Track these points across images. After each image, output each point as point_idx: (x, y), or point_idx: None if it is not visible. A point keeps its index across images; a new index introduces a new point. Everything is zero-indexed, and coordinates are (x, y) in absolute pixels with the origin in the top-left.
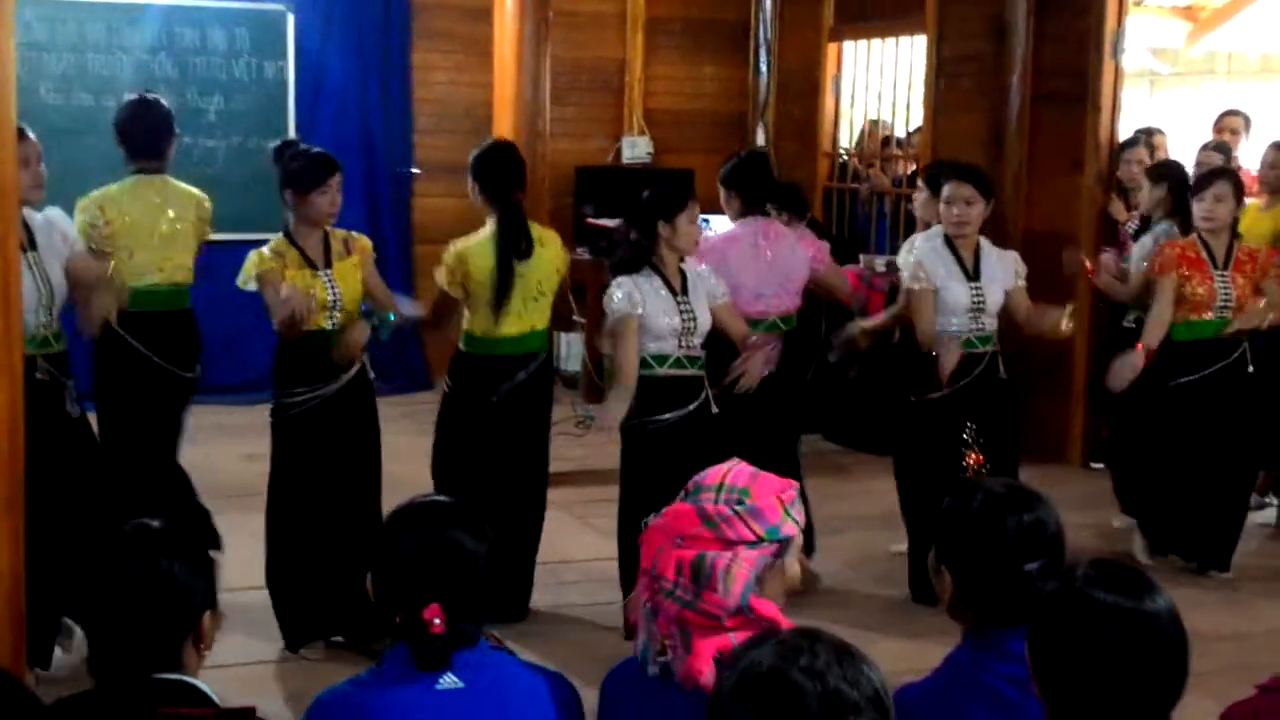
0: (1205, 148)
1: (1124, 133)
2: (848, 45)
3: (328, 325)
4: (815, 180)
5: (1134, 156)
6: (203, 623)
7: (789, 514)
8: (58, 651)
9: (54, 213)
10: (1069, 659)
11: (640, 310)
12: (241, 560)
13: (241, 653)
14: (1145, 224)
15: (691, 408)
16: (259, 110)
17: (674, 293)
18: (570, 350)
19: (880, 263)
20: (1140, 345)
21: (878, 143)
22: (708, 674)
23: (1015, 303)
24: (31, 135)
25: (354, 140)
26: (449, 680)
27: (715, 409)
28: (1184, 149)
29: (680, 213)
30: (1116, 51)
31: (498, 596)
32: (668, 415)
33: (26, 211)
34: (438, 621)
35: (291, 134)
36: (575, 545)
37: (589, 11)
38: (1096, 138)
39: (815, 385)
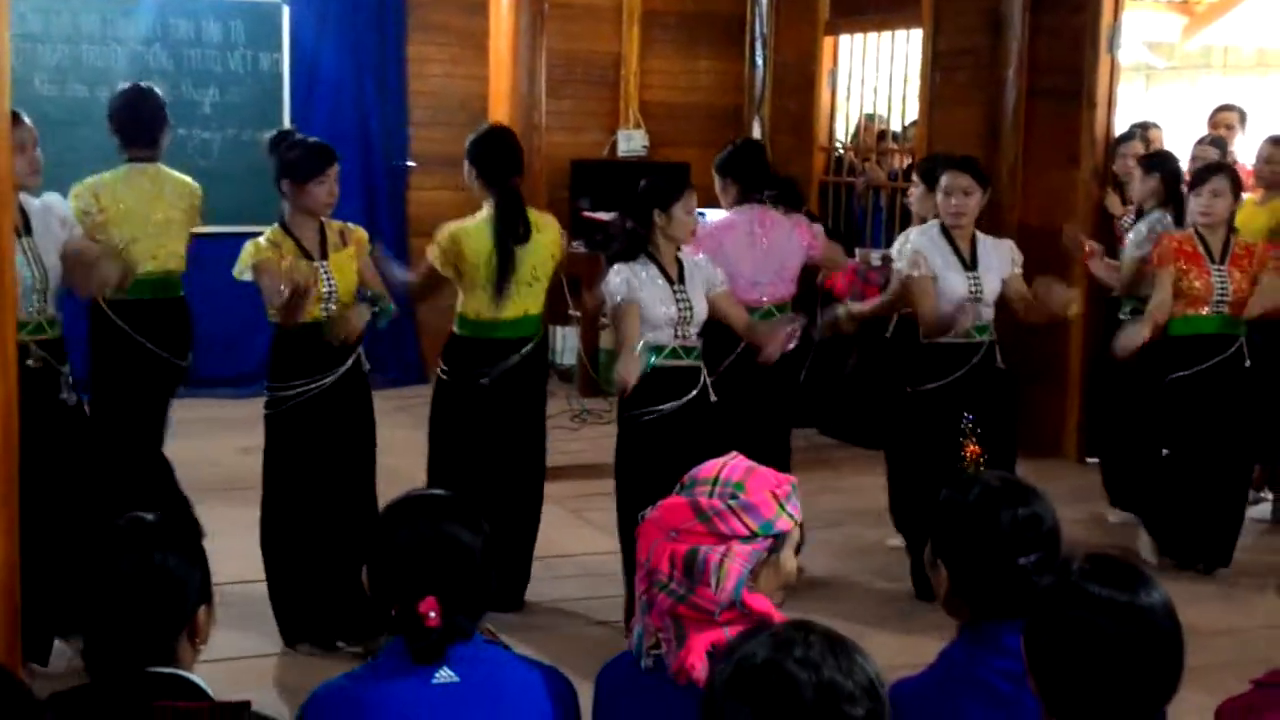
0: (1201, 142)
1: (1120, 127)
2: (843, 39)
3: (323, 317)
4: (811, 174)
5: (1130, 151)
6: (198, 616)
7: (784, 509)
8: (59, 645)
9: (52, 198)
10: (1064, 653)
11: (638, 296)
12: (236, 553)
13: (237, 646)
14: (1140, 216)
15: (687, 399)
16: (254, 102)
17: (670, 282)
18: (566, 344)
19: (876, 257)
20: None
21: (873, 137)
22: (700, 668)
23: (1013, 291)
24: (27, 120)
25: (349, 133)
26: (445, 674)
27: (714, 397)
28: (1180, 144)
29: (675, 202)
30: (1112, 46)
31: (494, 589)
32: (663, 407)
33: (23, 197)
34: (433, 615)
35: (287, 126)
36: (571, 539)
37: (584, 4)
38: (1092, 132)
39: (811, 379)
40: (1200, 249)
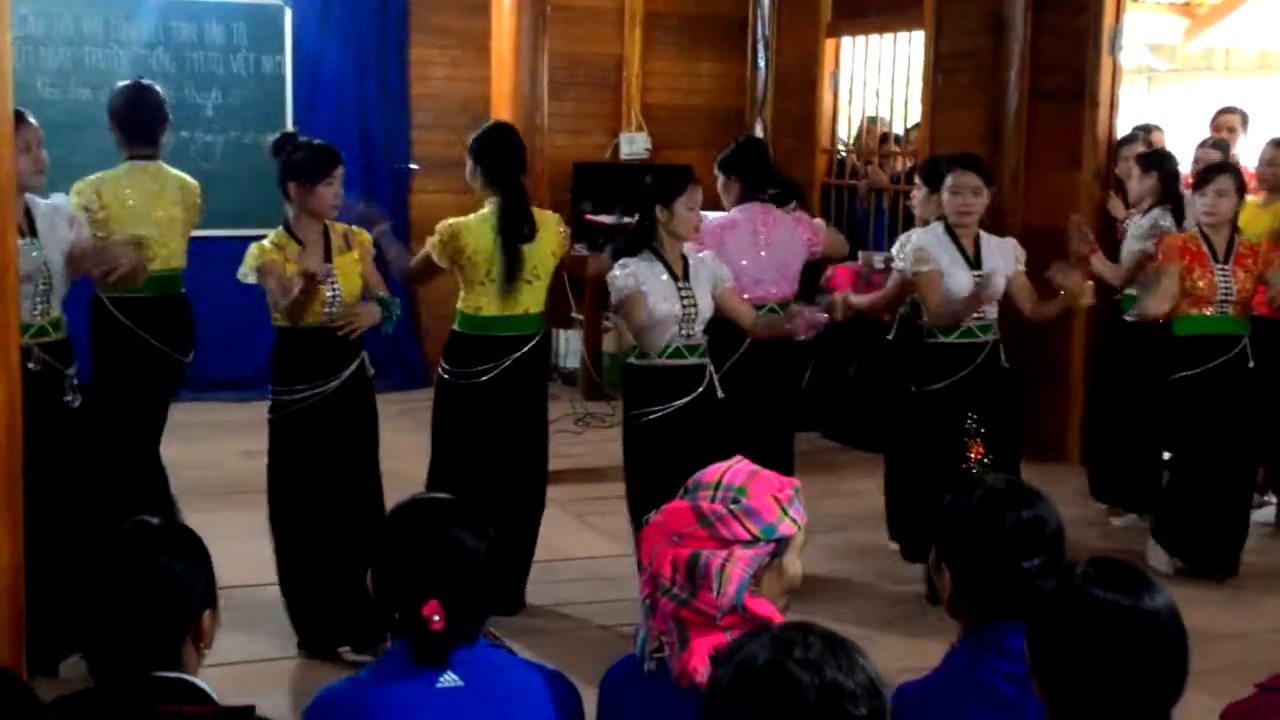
0: (1203, 144)
1: (1122, 129)
2: (846, 41)
3: (326, 320)
4: (813, 177)
5: (1132, 153)
6: (202, 620)
7: (786, 513)
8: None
9: (60, 199)
10: (1068, 657)
11: (644, 288)
12: (241, 557)
13: (241, 650)
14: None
15: (692, 396)
16: (256, 105)
17: (675, 278)
18: (569, 347)
19: (878, 259)
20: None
21: (875, 139)
22: (703, 671)
23: (1017, 289)
24: (32, 120)
25: (351, 136)
26: (449, 678)
27: (721, 394)
28: (1182, 145)
29: (678, 198)
30: (1114, 48)
31: (497, 593)
32: (666, 406)
33: (31, 198)
34: (437, 618)
35: (289, 129)
36: (574, 543)
37: (586, 6)
38: (1094, 134)
39: (813, 383)
40: (1204, 248)
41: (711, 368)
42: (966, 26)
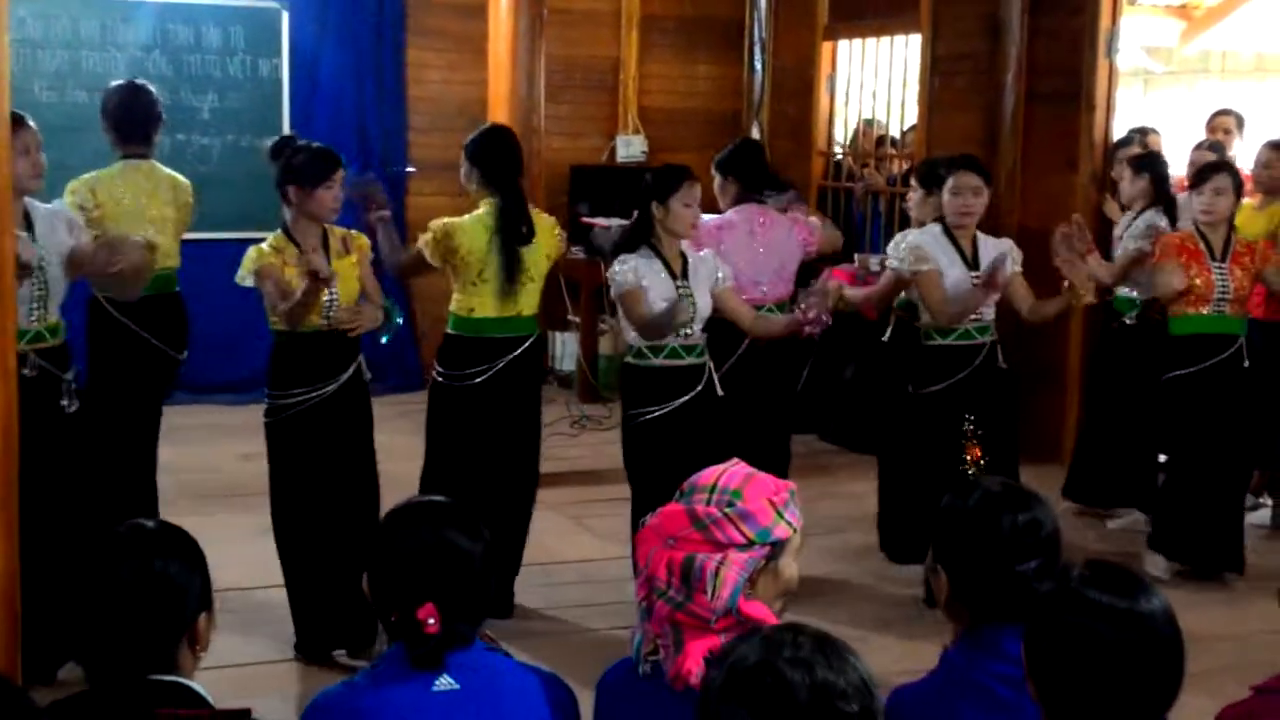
0: (1199, 147)
1: (1118, 132)
2: (842, 44)
3: (323, 324)
4: (810, 179)
5: (1128, 156)
6: (198, 623)
7: (782, 516)
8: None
9: (61, 205)
10: (1064, 659)
11: (644, 283)
12: (238, 560)
13: (238, 653)
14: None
15: (690, 396)
16: (253, 108)
17: (673, 276)
18: (565, 349)
19: (875, 261)
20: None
21: (871, 142)
22: (697, 674)
23: (1014, 289)
24: (31, 123)
25: (349, 138)
26: (444, 681)
27: (720, 392)
28: (1178, 148)
29: (673, 194)
30: (1111, 50)
31: (493, 596)
32: (664, 406)
33: (31, 202)
34: (432, 621)
35: (286, 132)
36: (570, 546)
37: (583, 9)
38: (1091, 137)
39: (810, 386)
40: (1202, 246)
41: (711, 366)
42: (963, 29)
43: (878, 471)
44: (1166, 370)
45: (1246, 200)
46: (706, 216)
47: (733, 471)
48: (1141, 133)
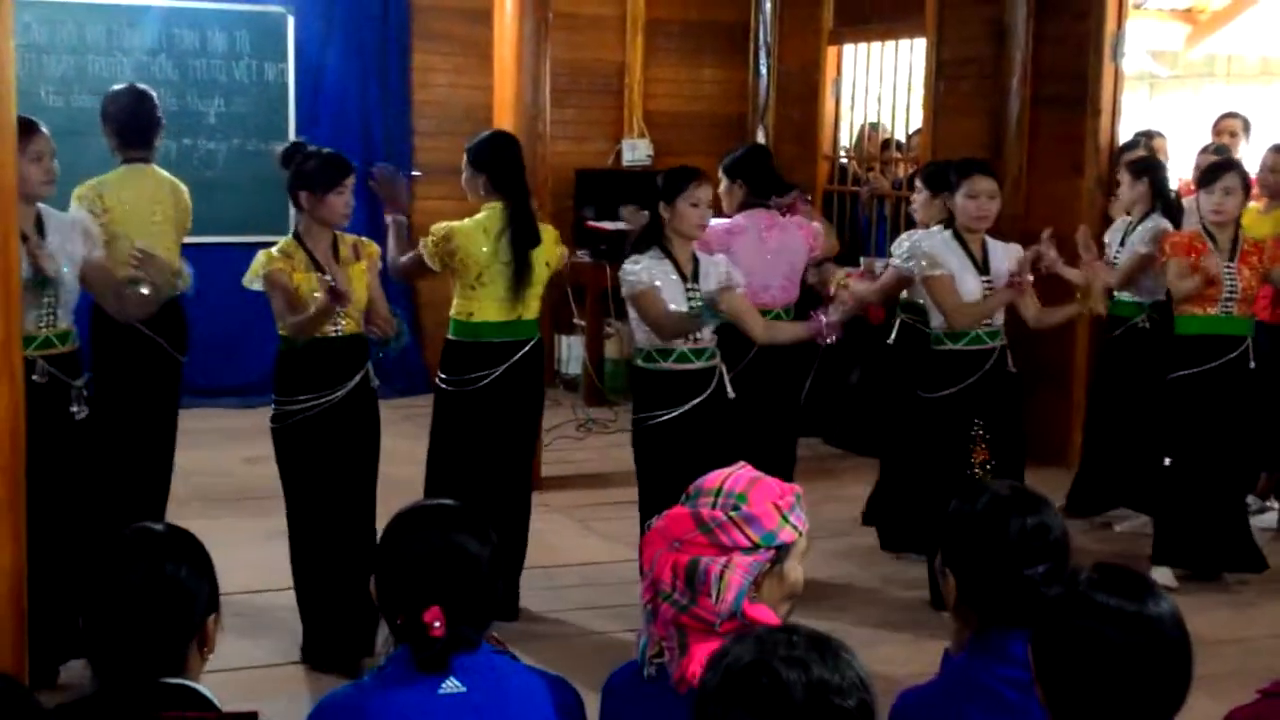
0: (1204, 150)
1: (1124, 136)
2: (847, 48)
3: (330, 331)
4: (815, 183)
5: (1126, 160)
6: (207, 626)
7: (787, 520)
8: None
9: (80, 214)
10: (1072, 663)
11: (657, 283)
12: (245, 563)
13: (245, 656)
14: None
15: (700, 399)
16: (259, 112)
17: (684, 279)
18: (571, 353)
19: (880, 265)
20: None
21: (876, 145)
22: None
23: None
24: (44, 130)
25: (354, 143)
26: (451, 684)
27: (731, 394)
28: (1183, 152)
29: (679, 195)
30: (1116, 54)
31: (500, 599)
32: (675, 409)
33: (46, 209)
34: (438, 624)
35: (292, 136)
36: (576, 548)
37: (589, 14)
38: (1096, 141)
39: (815, 389)
40: (1210, 246)
41: (723, 368)
42: (968, 34)
43: (879, 470)
44: (1172, 370)
45: (1252, 204)
46: (715, 221)
47: (738, 475)
48: (1147, 136)
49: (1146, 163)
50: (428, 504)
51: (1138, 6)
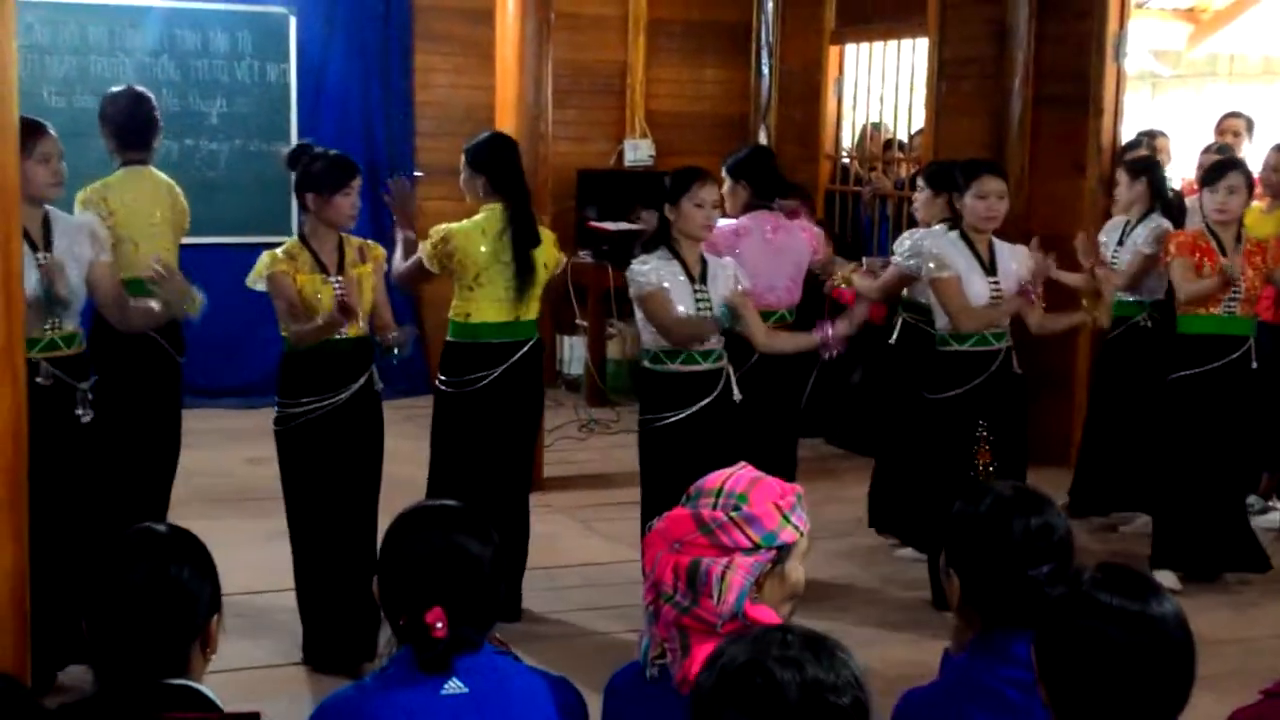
0: (1207, 150)
1: (1126, 135)
2: (849, 48)
3: (335, 334)
4: (817, 183)
5: (1125, 160)
6: (210, 626)
7: (788, 520)
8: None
9: (90, 218)
10: (1075, 663)
11: (665, 285)
12: (247, 564)
13: (247, 657)
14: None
15: (707, 401)
16: (261, 113)
17: (692, 280)
18: (573, 353)
19: (881, 265)
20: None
21: (878, 145)
22: None
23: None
24: (53, 132)
25: (356, 143)
26: (453, 685)
27: (738, 396)
28: (1186, 151)
29: (683, 196)
30: (1118, 54)
31: (502, 600)
32: (682, 411)
33: (54, 211)
34: (440, 625)
35: (294, 137)
36: (578, 549)
37: (590, 14)
38: (1098, 140)
39: (817, 389)
40: (1214, 245)
41: (730, 370)
42: (970, 33)
43: (875, 467)
44: (1173, 370)
45: (1255, 203)
46: (722, 221)
47: (739, 475)
48: (1150, 136)
49: (1144, 162)
50: (430, 505)
51: (1140, 6)
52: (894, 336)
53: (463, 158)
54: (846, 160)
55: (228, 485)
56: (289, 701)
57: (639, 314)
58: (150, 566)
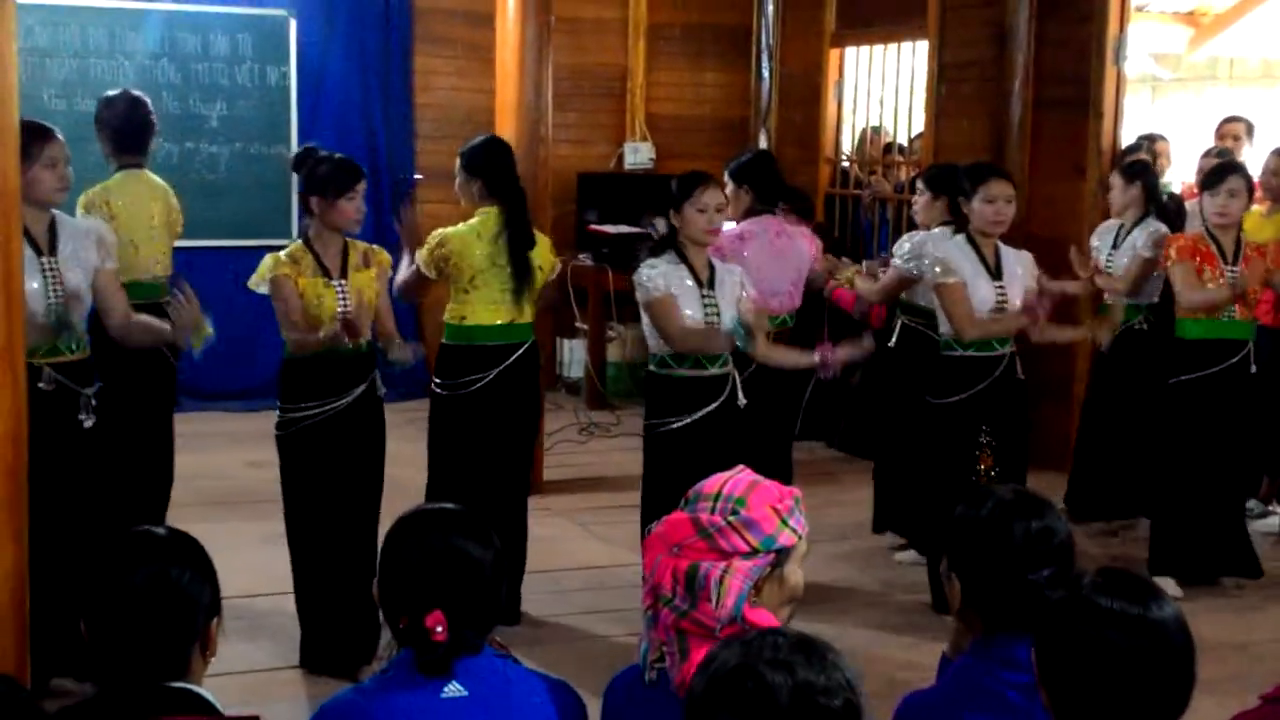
0: (1208, 154)
1: (1126, 139)
2: (849, 51)
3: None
4: (817, 186)
5: (1121, 164)
6: (209, 629)
7: (786, 524)
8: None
9: (98, 224)
10: (1075, 666)
11: (674, 292)
12: (245, 567)
13: (246, 660)
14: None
15: (713, 406)
16: (261, 116)
17: (700, 285)
18: (573, 357)
19: (879, 267)
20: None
21: (878, 149)
22: None
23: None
24: (60, 136)
25: (356, 146)
26: (453, 688)
27: (743, 401)
28: (1186, 155)
29: (685, 202)
30: (1118, 57)
31: (503, 603)
32: (688, 416)
33: (60, 215)
34: (440, 629)
35: (294, 140)
36: (577, 552)
37: (591, 17)
38: (1098, 144)
39: (816, 393)
40: (1214, 249)
41: (736, 375)
42: (970, 37)
43: (875, 469)
44: (1172, 375)
45: (1255, 207)
46: (727, 225)
47: (737, 479)
48: (1150, 140)
49: (1140, 165)
50: (430, 508)
51: (1140, 9)
52: (893, 339)
53: (457, 162)
54: (846, 163)
55: (228, 488)
56: (289, 704)
57: (645, 318)
58: (150, 569)
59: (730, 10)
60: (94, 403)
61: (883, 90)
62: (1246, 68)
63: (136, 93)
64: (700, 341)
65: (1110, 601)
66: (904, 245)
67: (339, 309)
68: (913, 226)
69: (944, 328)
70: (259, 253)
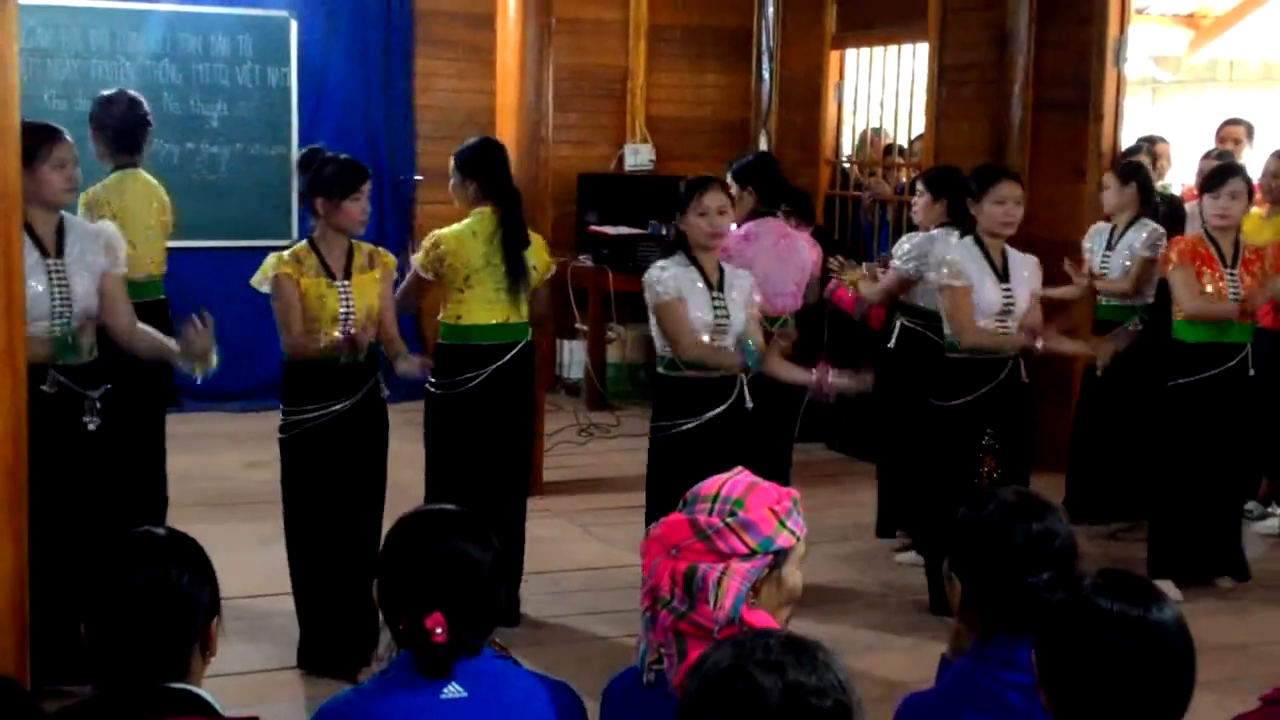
0: (1208, 156)
1: (1126, 141)
2: (850, 53)
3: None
4: (817, 188)
5: (1116, 165)
6: (208, 630)
7: (784, 525)
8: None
9: (108, 227)
10: (1076, 668)
11: (684, 296)
12: (244, 568)
13: (245, 661)
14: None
15: (722, 409)
16: (262, 117)
17: (709, 287)
18: (573, 357)
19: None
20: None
21: (878, 151)
22: None
23: (1032, 316)
24: (68, 137)
25: (357, 147)
26: (453, 689)
27: (750, 404)
28: (1186, 157)
29: (688, 206)
30: (1118, 59)
31: (502, 604)
32: (696, 419)
33: (69, 217)
34: (439, 630)
35: (295, 140)
36: (577, 553)
37: (591, 19)
38: (1099, 146)
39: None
40: (1213, 252)
41: (744, 377)
42: (970, 39)
43: (878, 471)
44: (1170, 378)
45: (1255, 209)
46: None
47: (735, 481)
48: (1150, 142)
49: (1135, 167)
50: (430, 509)
51: (1140, 11)
52: (892, 340)
53: (451, 163)
54: (846, 165)
55: (227, 489)
56: (288, 705)
57: (653, 321)
58: (150, 570)
59: (731, 12)
60: (99, 406)
61: (883, 92)
62: (1246, 70)
63: (132, 92)
64: (708, 356)
65: (1110, 603)
66: (903, 246)
67: (341, 310)
68: (912, 228)
69: (948, 329)
70: (259, 253)
